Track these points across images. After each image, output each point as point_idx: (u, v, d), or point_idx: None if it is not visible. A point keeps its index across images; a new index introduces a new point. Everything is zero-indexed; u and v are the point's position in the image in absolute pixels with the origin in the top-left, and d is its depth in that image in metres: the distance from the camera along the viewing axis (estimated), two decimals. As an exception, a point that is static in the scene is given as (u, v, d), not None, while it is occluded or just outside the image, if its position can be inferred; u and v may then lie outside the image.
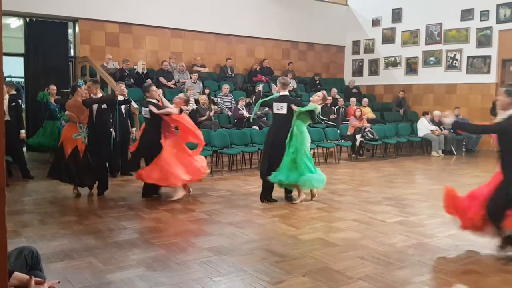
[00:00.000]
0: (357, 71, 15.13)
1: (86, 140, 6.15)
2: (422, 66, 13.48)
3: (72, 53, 11.12)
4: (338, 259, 3.87)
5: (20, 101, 8.44)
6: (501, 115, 4.00)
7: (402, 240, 4.40)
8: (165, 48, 11.86)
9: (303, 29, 14.04)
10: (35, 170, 7.84)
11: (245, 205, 5.88)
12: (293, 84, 11.97)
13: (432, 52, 13.20)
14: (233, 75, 12.38)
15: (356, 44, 15.10)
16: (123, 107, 7.43)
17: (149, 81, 9.90)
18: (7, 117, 7.35)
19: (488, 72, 12.11)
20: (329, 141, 10.22)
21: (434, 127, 11.59)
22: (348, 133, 10.75)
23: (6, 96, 7.34)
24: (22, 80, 11.42)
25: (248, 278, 3.46)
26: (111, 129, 6.41)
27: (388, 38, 14.23)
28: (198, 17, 11.99)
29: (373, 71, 14.73)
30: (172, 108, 6.12)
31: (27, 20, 10.29)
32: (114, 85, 8.39)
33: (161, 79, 10.87)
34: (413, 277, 3.49)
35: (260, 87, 6.78)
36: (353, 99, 12.33)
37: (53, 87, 9.14)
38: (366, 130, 10.66)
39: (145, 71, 10.72)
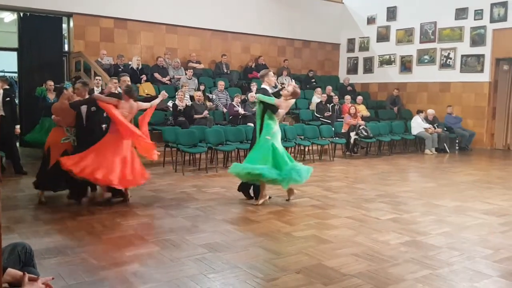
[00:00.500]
0: (352, 69, 15.16)
1: (75, 143, 5.78)
2: (417, 65, 13.52)
3: (66, 48, 11.06)
4: (332, 256, 3.88)
5: (13, 96, 8.38)
6: None
7: (396, 238, 4.42)
8: (160, 44, 11.83)
9: (299, 26, 14.06)
10: (28, 165, 7.78)
11: (239, 202, 5.88)
12: (288, 80, 11.94)
13: (427, 50, 13.25)
14: (228, 71, 12.37)
15: (351, 42, 15.13)
16: None
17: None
18: (1, 112, 7.32)
19: (482, 71, 12.16)
20: (323, 138, 10.26)
21: (427, 125, 11.65)
22: (343, 131, 10.79)
23: (0, 91, 7.29)
24: (16, 75, 11.35)
25: (242, 275, 3.47)
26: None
27: (383, 36, 14.26)
28: (194, 13, 11.96)
29: (368, 69, 14.76)
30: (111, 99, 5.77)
31: (21, 14, 10.20)
32: (108, 80, 8.36)
33: (156, 75, 10.85)
34: (406, 274, 3.51)
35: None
36: (347, 97, 12.35)
37: (50, 83, 9.10)
38: (360, 127, 10.70)
39: (140, 67, 10.70)
